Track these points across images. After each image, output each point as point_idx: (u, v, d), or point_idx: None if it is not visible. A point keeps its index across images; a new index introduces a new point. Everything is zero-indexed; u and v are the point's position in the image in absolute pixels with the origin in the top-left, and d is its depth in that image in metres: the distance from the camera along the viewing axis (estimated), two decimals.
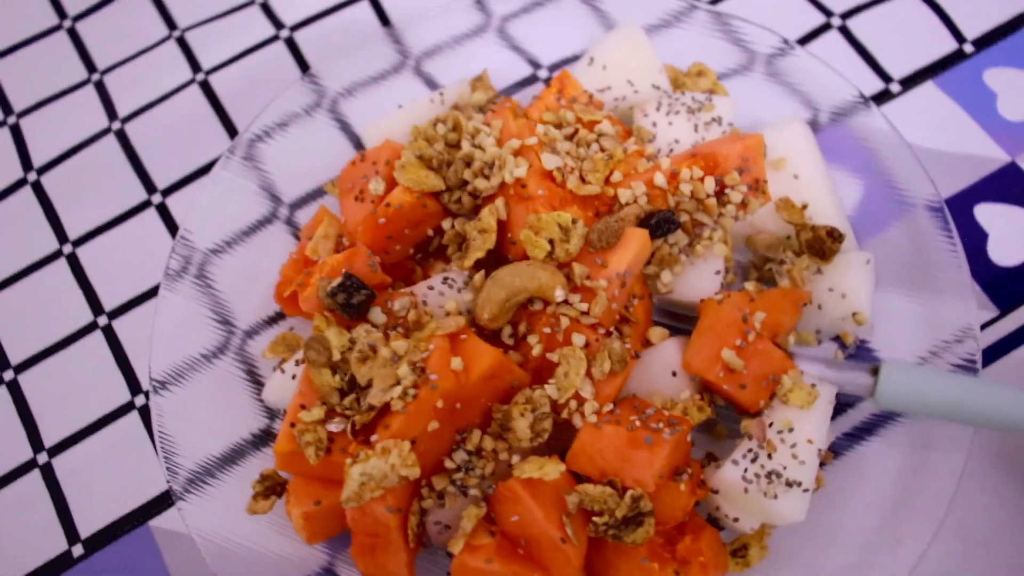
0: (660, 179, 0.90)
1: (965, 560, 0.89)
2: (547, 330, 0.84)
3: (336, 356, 0.82)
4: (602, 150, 0.93)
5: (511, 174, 0.89)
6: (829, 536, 0.87)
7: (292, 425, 0.83)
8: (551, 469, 0.79)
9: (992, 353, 0.97)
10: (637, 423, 0.81)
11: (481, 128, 0.95)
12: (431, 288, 0.89)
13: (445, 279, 0.89)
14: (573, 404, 0.83)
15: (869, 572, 0.84)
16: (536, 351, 0.84)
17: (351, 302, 0.83)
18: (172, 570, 0.96)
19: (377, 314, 0.85)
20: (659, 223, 0.89)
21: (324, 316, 0.85)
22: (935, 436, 0.88)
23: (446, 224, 0.95)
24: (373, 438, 0.79)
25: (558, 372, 0.82)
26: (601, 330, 0.85)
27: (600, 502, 0.79)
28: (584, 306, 0.84)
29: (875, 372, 0.86)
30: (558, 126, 0.96)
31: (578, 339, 0.83)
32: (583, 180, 0.91)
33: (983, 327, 0.98)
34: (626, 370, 0.84)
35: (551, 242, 0.84)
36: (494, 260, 0.92)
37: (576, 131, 0.95)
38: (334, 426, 0.82)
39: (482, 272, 0.89)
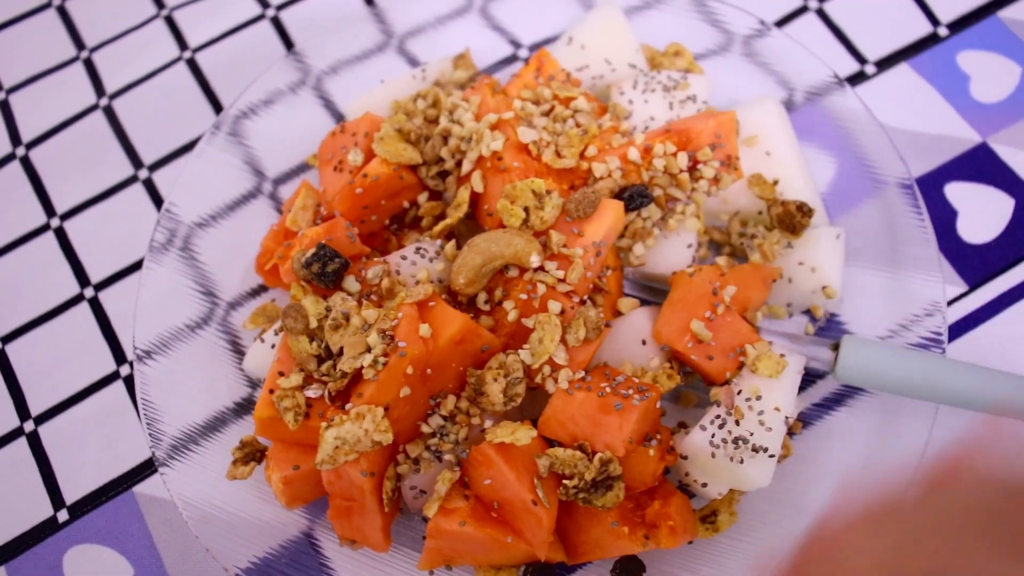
0: (634, 154, 0.92)
1: None
2: (523, 296, 0.86)
3: (313, 324, 0.84)
4: (578, 126, 0.95)
5: (488, 147, 0.91)
6: (797, 503, 0.89)
7: (271, 391, 0.84)
8: (523, 434, 0.81)
9: (961, 327, 0.99)
10: (608, 390, 0.83)
11: (460, 104, 0.97)
12: (404, 258, 0.90)
13: (418, 249, 0.91)
14: (546, 370, 0.85)
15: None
16: (511, 316, 0.86)
17: (325, 271, 0.85)
18: (155, 535, 0.98)
19: (352, 283, 0.87)
20: (632, 196, 0.91)
21: (301, 285, 0.87)
22: (901, 408, 0.90)
23: (422, 197, 0.97)
24: (348, 406, 0.81)
25: (533, 338, 0.84)
26: (575, 298, 0.87)
27: (570, 465, 0.81)
28: (560, 273, 0.86)
29: (835, 347, 0.88)
30: (535, 102, 0.98)
31: (554, 306, 0.85)
32: (558, 154, 0.93)
33: (952, 302, 1.00)
34: (600, 338, 0.86)
35: (526, 210, 0.86)
36: (471, 233, 0.94)
37: (552, 107, 0.97)
38: (312, 392, 0.84)
39: (453, 242, 0.91)
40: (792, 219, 0.93)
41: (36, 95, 1.25)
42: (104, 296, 1.11)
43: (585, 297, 0.89)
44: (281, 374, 0.85)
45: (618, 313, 0.93)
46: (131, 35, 1.28)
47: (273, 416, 0.84)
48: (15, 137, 1.22)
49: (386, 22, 1.17)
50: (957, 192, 1.05)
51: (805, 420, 0.93)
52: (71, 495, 1.01)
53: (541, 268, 0.87)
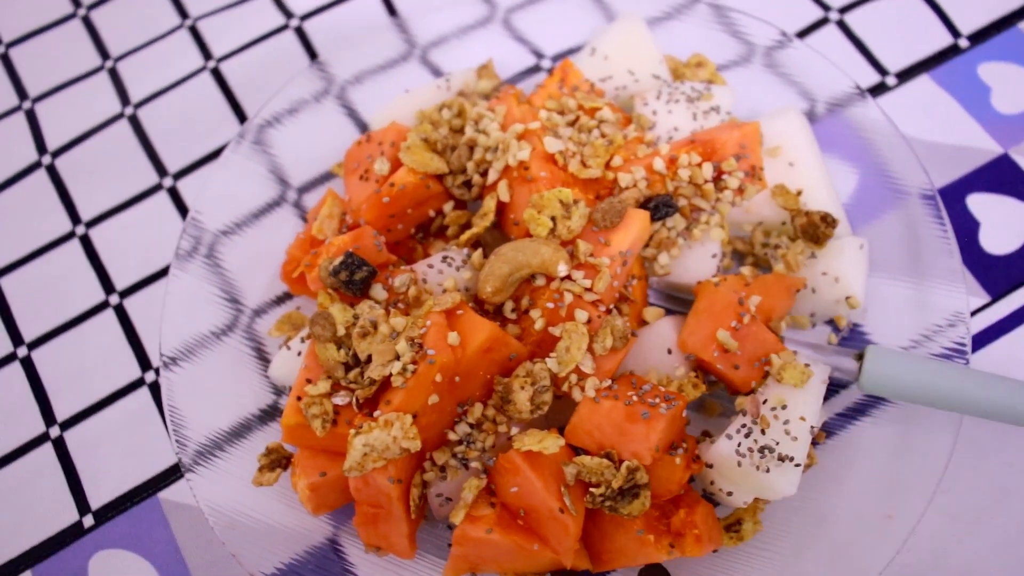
0: (659, 164, 0.93)
1: (953, 539, 0.91)
2: (550, 305, 0.87)
3: (340, 331, 0.84)
4: (603, 136, 0.96)
5: (514, 157, 0.92)
6: (821, 513, 0.89)
7: (299, 399, 0.85)
8: (551, 443, 0.81)
9: (984, 338, 0.99)
10: (634, 398, 0.83)
11: (485, 114, 0.97)
12: (431, 266, 0.91)
13: (444, 257, 0.92)
14: (573, 378, 0.85)
15: (860, 548, 0.86)
16: (538, 325, 0.87)
17: (353, 279, 0.86)
18: (180, 540, 0.99)
19: (379, 291, 0.87)
20: (657, 207, 0.92)
21: (328, 293, 0.87)
22: (925, 418, 0.90)
23: (447, 206, 0.98)
24: (376, 413, 0.81)
25: (560, 346, 0.85)
26: (602, 307, 0.87)
27: (597, 473, 0.81)
28: (587, 282, 0.86)
29: (860, 358, 0.88)
30: (560, 112, 0.98)
31: (581, 315, 0.86)
32: (584, 164, 0.94)
33: (974, 313, 1.00)
34: (626, 347, 0.86)
35: (553, 219, 0.87)
36: (497, 242, 0.94)
37: (577, 118, 0.98)
38: (340, 399, 0.84)
39: (480, 250, 0.92)
40: (816, 229, 0.93)
41: (61, 104, 1.26)
42: (129, 303, 1.12)
43: (611, 306, 0.89)
44: (309, 381, 0.85)
45: (643, 322, 0.93)
46: (155, 45, 1.29)
47: (301, 423, 0.84)
48: (41, 146, 1.23)
49: (409, 32, 1.18)
50: (979, 203, 1.06)
51: (828, 430, 0.94)
52: (96, 500, 1.02)
53: (568, 277, 0.87)
